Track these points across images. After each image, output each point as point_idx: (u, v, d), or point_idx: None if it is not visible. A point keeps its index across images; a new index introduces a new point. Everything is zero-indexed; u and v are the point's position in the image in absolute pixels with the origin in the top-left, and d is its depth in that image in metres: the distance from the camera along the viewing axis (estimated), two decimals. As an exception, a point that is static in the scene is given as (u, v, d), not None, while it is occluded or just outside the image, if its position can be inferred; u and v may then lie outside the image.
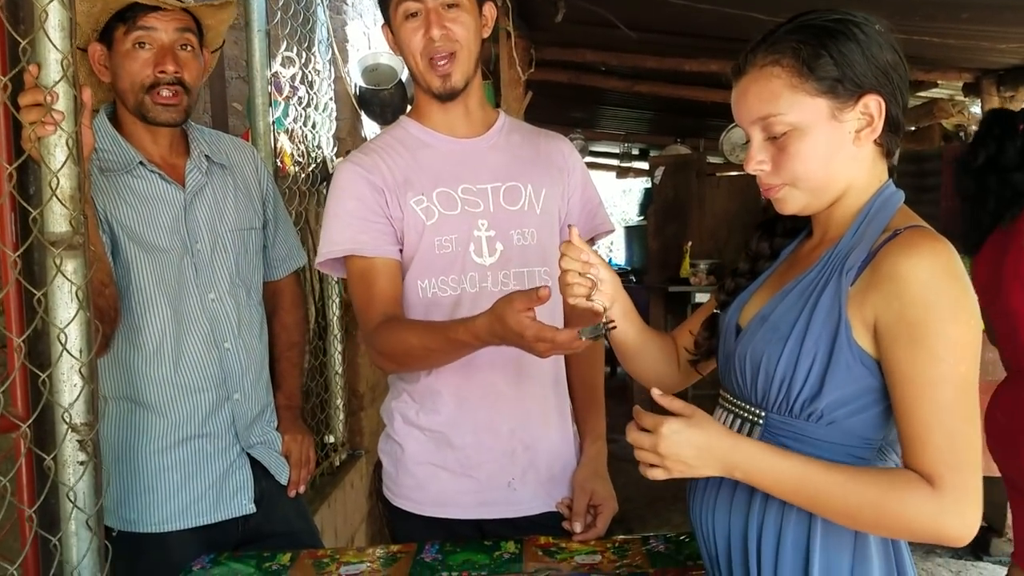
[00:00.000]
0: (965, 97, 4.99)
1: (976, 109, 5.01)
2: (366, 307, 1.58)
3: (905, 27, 3.70)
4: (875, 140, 1.14)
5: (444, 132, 1.64)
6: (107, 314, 1.48)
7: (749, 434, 1.17)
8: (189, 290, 1.65)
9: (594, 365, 1.77)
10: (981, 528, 3.53)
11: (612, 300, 1.29)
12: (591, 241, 1.75)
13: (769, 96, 1.12)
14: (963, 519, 1.02)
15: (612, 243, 11.67)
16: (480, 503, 1.61)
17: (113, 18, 1.59)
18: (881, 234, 1.10)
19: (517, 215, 1.62)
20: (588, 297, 1.27)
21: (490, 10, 1.62)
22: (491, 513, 1.62)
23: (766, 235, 1.30)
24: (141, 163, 1.64)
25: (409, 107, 3.44)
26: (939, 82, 4.88)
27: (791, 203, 1.17)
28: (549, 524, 1.61)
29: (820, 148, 1.11)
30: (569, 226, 1.29)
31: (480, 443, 1.60)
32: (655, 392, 1.13)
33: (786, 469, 1.06)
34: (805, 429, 1.12)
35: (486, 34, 1.62)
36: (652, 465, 1.09)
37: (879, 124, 1.11)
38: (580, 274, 1.26)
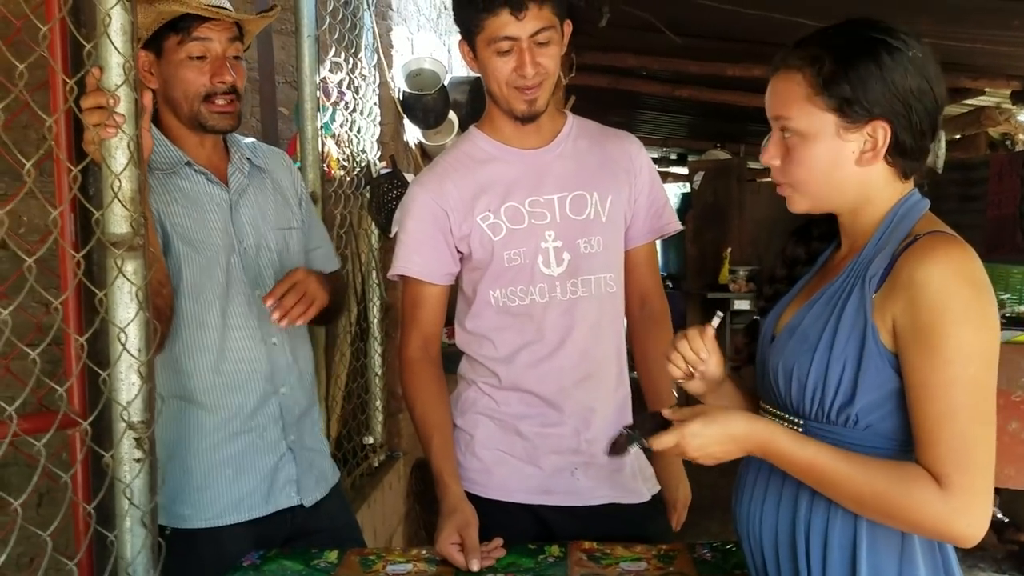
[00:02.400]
0: (1013, 105, 4.91)
1: (1023, 118, 4.92)
2: (408, 326, 1.73)
3: (955, 33, 3.64)
4: (885, 161, 1.15)
5: (514, 145, 1.69)
6: (164, 313, 1.51)
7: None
8: (237, 287, 1.69)
9: (662, 372, 1.79)
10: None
11: (705, 391, 1.33)
12: (657, 239, 1.84)
13: (787, 99, 1.17)
14: (970, 520, 1.04)
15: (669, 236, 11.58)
16: (544, 491, 1.68)
17: (164, 27, 1.62)
18: (903, 240, 1.12)
19: (583, 224, 1.67)
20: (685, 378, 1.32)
21: (569, 27, 1.64)
22: (553, 500, 1.68)
23: (802, 240, 1.33)
24: (188, 164, 1.67)
25: (451, 112, 3.49)
26: (986, 90, 4.80)
27: (796, 203, 1.22)
28: (609, 514, 1.69)
29: (822, 160, 1.16)
30: (708, 325, 1.31)
31: (546, 435, 1.69)
32: (665, 411, 1.21)
33: (798, 450, 1.11)
34: (844, 434, 1.14)
35: (564, 51, 1.65)
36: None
37: (881, 151, 1.14)
38: (686, 361, 1.29)
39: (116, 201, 1.18)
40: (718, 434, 1.15)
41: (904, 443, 1.12)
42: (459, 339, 1.76)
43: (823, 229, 1.30)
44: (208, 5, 1.61)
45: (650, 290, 1.83)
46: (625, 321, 1.78)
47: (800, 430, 1.18)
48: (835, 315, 1.15)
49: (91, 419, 1.23)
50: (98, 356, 1.23)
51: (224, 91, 1.64)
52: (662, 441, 1.17)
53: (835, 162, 1.15)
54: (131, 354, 1.20)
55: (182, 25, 1.61)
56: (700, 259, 6.36)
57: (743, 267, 5.93)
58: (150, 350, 1.23)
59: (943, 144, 5.16)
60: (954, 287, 1.05)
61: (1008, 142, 5.61)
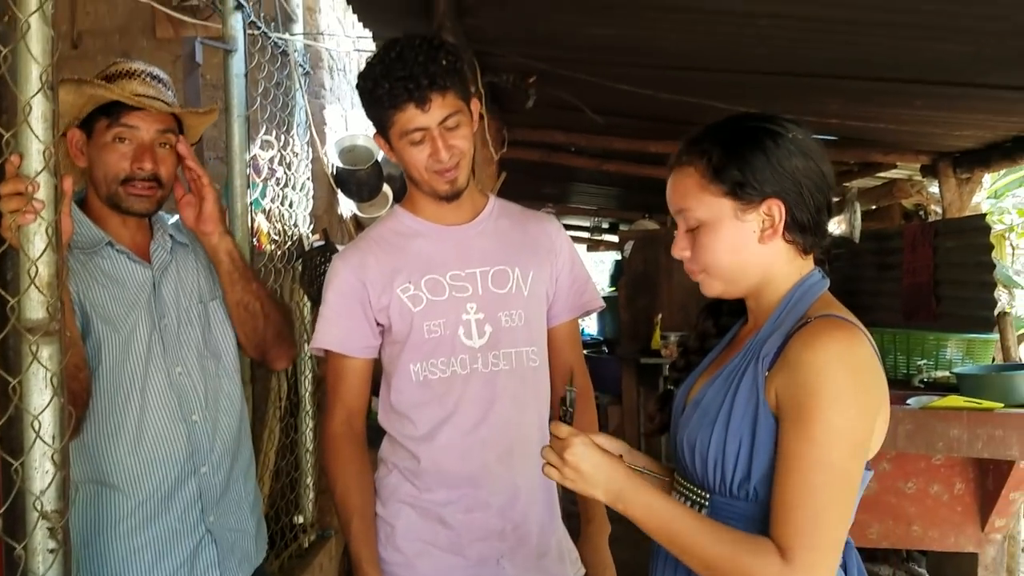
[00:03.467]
0: (923, 178, 5.16)
1: (934, 189, 5.17)
2: (331, 401, 1.74)
3: (864, 113, 3.85)
4: (784, 239, 1.21)
5: (437, 221, 1.72)
6: (80, 398, 1.49)
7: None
8: (156, 365, 1.67)
9: None
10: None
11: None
12: (579, 316, 1.87)
13: (684, 193, 1.24)
14: None
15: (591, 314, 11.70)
16: None
17: (96, 109, 1.65)
18: (797, 321, 1.17)
19: (505, 297, 1.70)
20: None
21: (476, 106, 1.70)
22: None
23: (712, 315, 1.39)
24: (109, 243, 1.67)
25: (385, 186, 3.54)
26: (897, 164, 5.05)
27: (709, 287, 1.27)
28: None
29: (726, 243, 1.22)
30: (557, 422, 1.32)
31: (471, 521, 1.67)
32: (552, 425, 1.25)
33: (659, 508, 1.16)
34: (746, 509, 1.17)
35: (475, 128, 1.71)
36: (552, 466, 1.23)
37: (779, 226, 1.20)
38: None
39: (33, 287, 1.17)
40: (599, 460, 1.19)
41: None
42: (381, 417, 1.76)
43: (733, 305, 1.35)
44: (137, 94, 1.64)
45: (574, 367, 1.82)
46: (550, 399, 1.78)
47: (707, 503, 1.21)
48: (732, 391, 1.19)
49: (3, 509, 1.19)
50: (11, 444, 1.21)
51: (144, 177, 1.65)
52: (559, 429, 1.22)
53: (739, 243, 1.21)
54: (45, 441, 1.18)
55: (112, 110, 1.64)
56: (633, 325, 6.47)
57: (673, 332, 6.04)
58: (65, 436, 1.21)
59: (859, 215, 5.39)
60: (830, 371, 1.09)
61: (921, 212, 5.86)
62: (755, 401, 1.16)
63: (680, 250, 1.27)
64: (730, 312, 1.37)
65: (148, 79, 1.70)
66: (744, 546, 1.10)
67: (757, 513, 1.16)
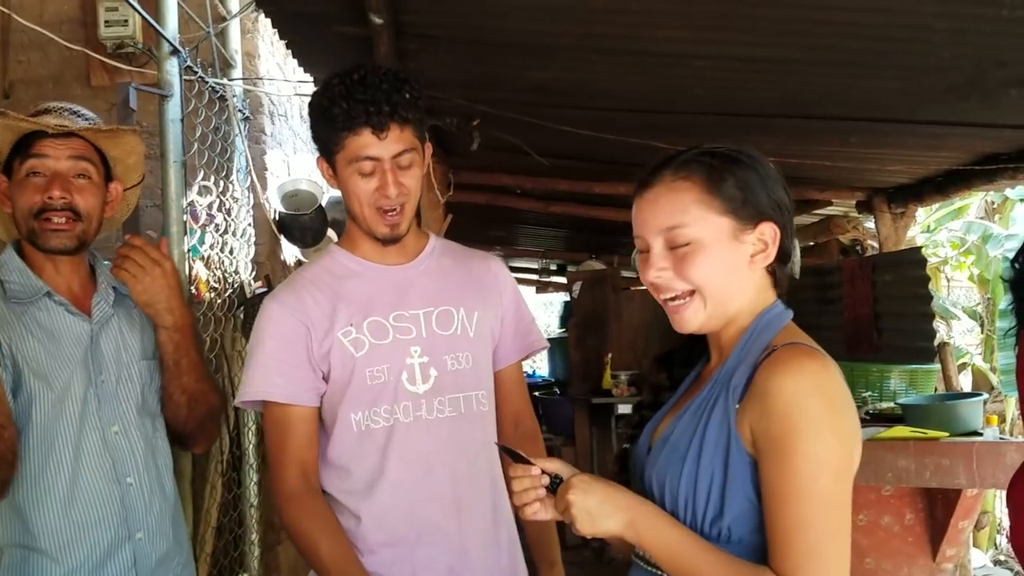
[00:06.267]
0: (859, 213, 5.29)
1: (870, 224, 5.30)
2: (280, 457, 1.57)
3: (798, 151, 3.94)
4: (766, 267, 1.19)
5: (375, 260, 1.64)
6: (4, 458, 1.41)
7: None
8: (91, 424, 1.59)
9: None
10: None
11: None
12: (525, 357, 1.79)
13: (679, 208, 1.17)
14: None
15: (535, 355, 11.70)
16: None
17: (12, 150, 1.59)
18: (763, 352, 1.14)
19: (450, 339, 1.61)
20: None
21: (428, 149, 1.63)
22: None
23: (664, 367, 1.34)
24: (48, 294, 1.60)
25: (330, 230, 3.50)
26: (833, 200, 5.17)
27: (692, 316, 1.19)
28: None
29: (721, 263, 1.16)
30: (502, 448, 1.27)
31: None
32: (540, 462, 1.21)
33: (673, 537, 1.12)
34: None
35: (425, 172, 1.64)
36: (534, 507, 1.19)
37: (772, 251, 1.18)
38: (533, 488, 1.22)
39: (-49, 340, 1.12)
40: (604, 491, 1.15)
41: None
42: (321, 476, 1.62)
43: (684, 355, 1.32)
44: (34, 117, 1.58)
45: (522, 410, 1.78)
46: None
47: None
48: (701, 425, 1.15)
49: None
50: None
51: (57, 208, 1.57)
52: (552, 464, 1.18)
53: (733, 266, 1.17)
54: (-37, 505, 1.11)
55: (25, 144, 1.58)
56: (583, 365, 6.45)
57: (624, 371, 6.04)
58: (-14, 499, 1.14)
59: (798, 251, 5.50)
60: (805, 399, 1.06)
61: (858, 247, 6.01)
62: (726, 435, 1.13)
63: (658, 271, 1.19)
64: (682, 363, 1.32)
65: (64, 112, 1.65)
66: None
67: (731, 552, 1.12)
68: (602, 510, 1.14)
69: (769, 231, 1.17)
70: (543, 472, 1.21)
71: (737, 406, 1.13)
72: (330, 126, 1.52)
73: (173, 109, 2.22)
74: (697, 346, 1.29)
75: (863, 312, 4.85)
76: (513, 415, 1.76)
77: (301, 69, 3.57)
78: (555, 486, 1.20)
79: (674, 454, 1.17)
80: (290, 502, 1.54)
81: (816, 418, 1.06)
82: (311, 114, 1.58)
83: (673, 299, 1.20)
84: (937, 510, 3.26)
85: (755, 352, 1.16)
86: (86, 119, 1.68)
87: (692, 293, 1.18)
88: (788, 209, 1.21)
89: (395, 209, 1.55)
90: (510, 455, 1.24)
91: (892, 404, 3.76)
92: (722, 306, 1.18)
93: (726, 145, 1.22)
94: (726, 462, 1.12)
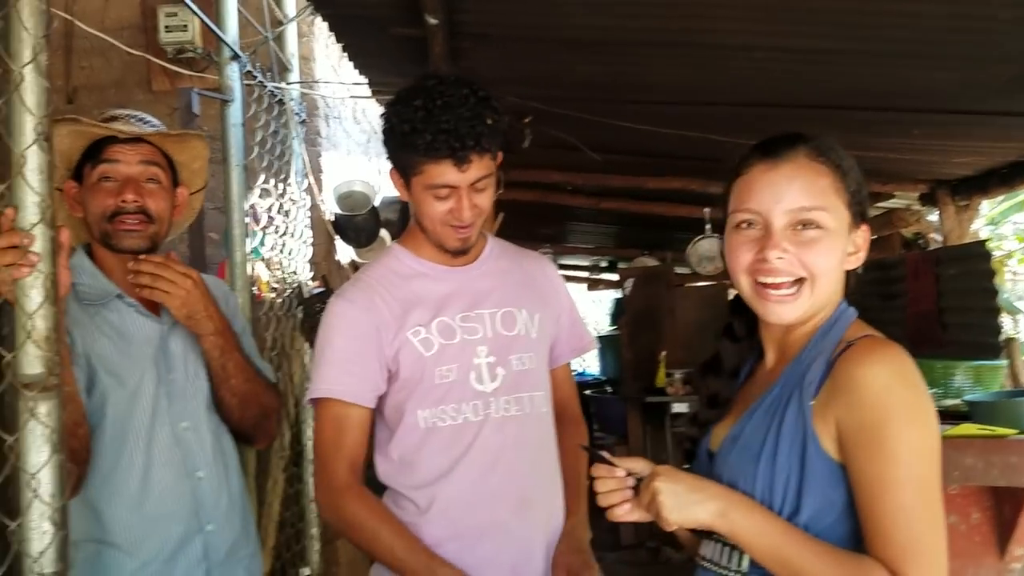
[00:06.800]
0: (922, 206, 5.16)
1: (933, 217, 5.17)
2: (332, 453, 1.57)
3: (860, 143, 3.86)
4: (855, 268, 1.19)
5: (438, 262, 1.65)
6: (79, 455, 1.45)
7: (739, 561, 1.16)
8: (162, 420, 1.63)
9: (581, 459, 1.70)
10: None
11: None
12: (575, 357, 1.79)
13: (819, 191, 1.14)
14: None
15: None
16: None
17: (83, 156, 1.64)
18: (837, 346, 1.13)
19: (515, 340, 1.63)
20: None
21: (500, 157, 1.61)
22: None
23: (715, 375, 1.31)
24: (118, 296, 1.65)
25: (383, 230, 3.53)
26: (895, 193, 5.06)
27: (797, 307, 1.15)
28: None
29: (837, 256, 1.15)
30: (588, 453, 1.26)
31: None
32: (624, 462, 1.19)
33: (771, 526, 1.09)
34: None
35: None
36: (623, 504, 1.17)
37: (863, 255, 1.18)
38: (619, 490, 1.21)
39: (30, 341, 1.15)
40: (692, 479, 1.13)
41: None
42: (380, 470, 1.64)
43: (732, 363, 1.30)
44: (103, 122, 1.63)
45: (568, 398, 1.80)
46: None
47: None
48: (775, 424, 1.14)
49: (1, 573, 1.15)
50: (8, 504, 1.17)
51: (130, 211, 1.62)
52: (636, 463, 1.17)
53: (840, 261, 1.16)
54: (43, 501, 1.14)
55: (96, 150, 1.63)
56: (636, 363, 6.39)
57: (679, 370, 5.97)
58: (64, 495, 1.17)
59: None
60: (895, 387, 1.06)
61: (921, 241, 5.87)
62: (802, 433, 1.11)
63: (782, 250, 1.13)
64: (731, 374, 1.30)
65: (131, 119, 1.69)
66: (856, 569, 1.05)
67: None
68: (692, 497, 1.12)
69: (866, 235, 1.18)
70: (628, 473, 1.20)
71: (812, 402, 1.11)
72: (409, 150, 1.51)
73: (235, 113, 2.26)
74: (741, 354, 1.29)
75: (927, 307, 4.73)
76: (560, 402, 1.77)
77: (356, 71, 3.61)
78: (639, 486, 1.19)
79: (746, 453, 1.16)
80: (343, 495, 1.55)
81: (909, 405, 1.06)
82: (388, 132, 1.56)
83: (778, 287, 1.15)
84: (1005, 509, 3.16)
85: (828, 349, 1.15)
86: (152, 125, 1.73)
87: (802, 281, 1.14)
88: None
89: (467, 227, 1.56)
90: (593, 456, 1.24)
91: (958, 401, 3.66)
92: (821, 300, 1.16)
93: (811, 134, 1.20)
94: (802, 460, 1.11)
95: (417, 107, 1.48)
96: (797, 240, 1.14)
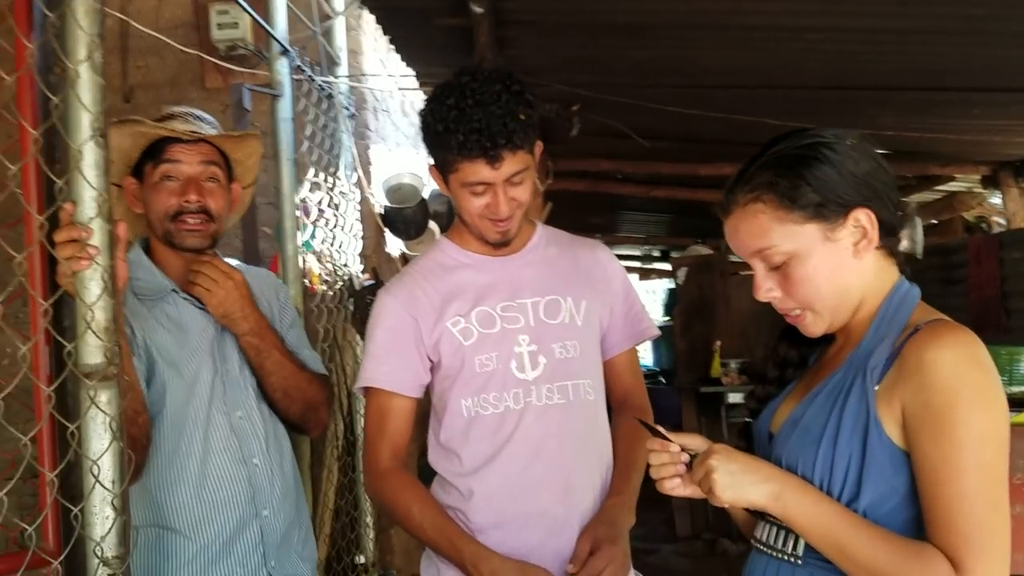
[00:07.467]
0: (984, 189, 5.03)
1: (996, 200, 5.03)
2: (375, 441, 1.64)
3: (917, 125, 3.77)
4: (876, 248, 1.16)
5: (483, 253, 1.67)
6: (139, 442, 1.49)
7: (795, 545, 1.16)
8: (218, 408, 1.68)
9: (635, 444, 1.66)
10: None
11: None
12: (635, 345, 1.78)
13: (759, 232, 1.16)
14: None
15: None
16: None
17: (143, 154, 1.68)
18: (903, 331, 1.12)
19: (558, 328, 1.63)
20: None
21: (539, 148, 1.61)
22: None
23: (793, 342, 1.30)
24: (174, 291, 1.69)
25: (431, 223, 3.55)
26: (956, 176, 4.93)
27: (815, 326, 1.19)
28: None
29: (822, 269, 1.15)
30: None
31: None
32: (679, 437, 1.18)
33: (826, 510, 1.09)
34: None
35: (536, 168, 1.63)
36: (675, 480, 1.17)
37: (874, 234, 1.15)
38: (672, 464, 1.20)
39: (89, 332, 1.18)
40: (746, 458, 1.13)
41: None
42: (431, 455, 1.68)
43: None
44: (162, 123, 1.66)
45: (632, 388, 1.77)
46: (610, 434, 1.68)
47: None
48: (838, 408, 1.13)
49: (63, 556, 1.19)
50: (72, 490, 1.21)
51: (193, 211, 1.66)
52: (692, 440, 1.17)
53: (835, 265, 1.15)
54: (104, 487, 1.17)
55: (156, 149, 1.66)
56: (690, 353, 6.33)
57: (734, 360, 5.89)
58: (124, 481, 1.20)
59: (920, 230, 5.25)
60: (965, 371, 1.05)
61: (983, 224, 5.71)
62: (865, 418, 1.10)
63: (766, 292, 1.19)
64: (810, 340, 1.28)
65: (189, 118, 1.73)
66: (915, 555, 1.03)
67: None
68: (746, 478, 1.11)
69: (863, 216, 1.14)
70: (682, 449, 1.19)
71: (877, 387, 1.10)
72: (443, 149, 1.53)
73: (285, 108, 2.29)
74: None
75: (990, 292, 4.61)
76: (623, 393, 1.76)
77: (403, 64, 3.63)
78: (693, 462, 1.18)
79: (807, 436, 1.15)
80: (382, 478, 1.62)
81: (979, 389, 1.05)
82: (424, 129, 1.58)
83: (787, 314, 1.20)
84: (1074, 500, 3.07)
85: (893, 333, 1.13)
86: (208, 122, 1.77)
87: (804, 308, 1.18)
88: (884, 182, 1.17)
89: (506, 220, 1.57)
90: (649, 430, 1.23)
91: (1022, 388, 3.55)
92: (840, 308, 1.17)
93: (791, 139, 1.18)
94: (864, 445, 1.10)
95: (450, 106, 1.49)
96: (779, 275, 1.17)
